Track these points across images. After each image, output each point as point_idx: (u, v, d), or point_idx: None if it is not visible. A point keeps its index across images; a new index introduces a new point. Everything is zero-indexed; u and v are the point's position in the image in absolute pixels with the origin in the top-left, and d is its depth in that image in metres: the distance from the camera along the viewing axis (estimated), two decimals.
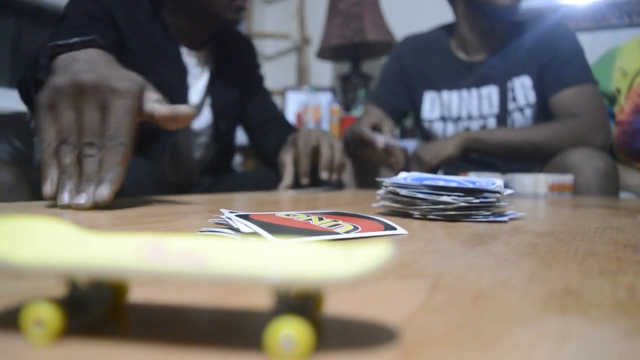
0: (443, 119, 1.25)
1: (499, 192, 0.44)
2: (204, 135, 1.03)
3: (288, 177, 0.92)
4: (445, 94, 1.24)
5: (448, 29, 1.29)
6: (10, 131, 1.28)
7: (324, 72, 2.46)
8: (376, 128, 1.14)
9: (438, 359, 0.12)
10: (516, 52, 1.17)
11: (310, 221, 0.35)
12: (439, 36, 1.29)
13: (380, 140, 1.04)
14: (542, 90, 1.14)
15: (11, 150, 1.26)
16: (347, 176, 1.20)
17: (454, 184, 0.45)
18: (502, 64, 1.18)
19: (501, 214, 0.45)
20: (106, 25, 0.82)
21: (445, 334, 0.14)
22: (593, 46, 1.62)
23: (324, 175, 0.91)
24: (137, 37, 0.88)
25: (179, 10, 0.95)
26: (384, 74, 1.35)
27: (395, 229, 0.35)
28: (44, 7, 1.77)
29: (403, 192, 0.45)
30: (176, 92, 0.93)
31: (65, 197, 0.44)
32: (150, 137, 0.90)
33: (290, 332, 0.12)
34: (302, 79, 2.41)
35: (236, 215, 0.35)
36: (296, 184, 0.93)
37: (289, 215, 0.37)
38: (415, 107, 1.30)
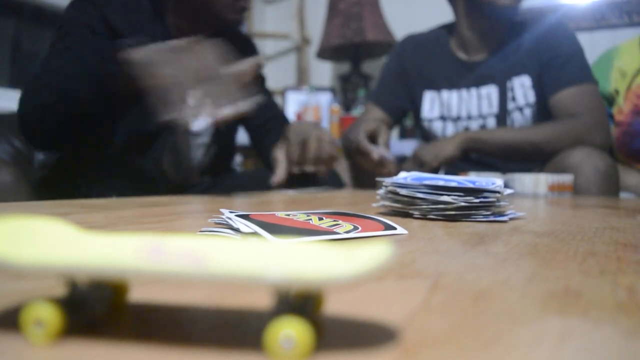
0: (443, 118, 1.25)
1: (499, 192, 0.44)
2: (204, 136, 1.03)
3: (280, 171, 0.92)
4: (445, 94, 1.24)
5: (448, 29, 1.28)
6: (10, 131, 1.28)
7: (324, 72, 2.45)
8: (373, 136, 1.15)
9: (438, 359, 0.12)
10: (516, 51, 1.17)
11: (310, 221, 0.35)
12: (439, 36, 1.29)
13: (376, 152, 1.05)
14: (542, 90, 1.14)
15: (11, 150, 1.26)
16: (347, 176, 1.20)
17: (454, 184, 0.45)
18: (501, 64, 1.18)
19: (501, 214, 0.45)
20: (103, 36, 0.83)
21: (445, 334, 0.14)
22: (593, 46, 1.62)
23: (309, 168, 0.90)
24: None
25: (181, 11, 0.95)
26: (384, 74, 1.35)
27: (395, 228, 0.35)
28: (44, 7, 1.76)
29: (403, 191, 0.45)
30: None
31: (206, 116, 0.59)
32: (150, 137, 0.90)
33: (290, 332, 0.12)
34: (302, 79, 2.41)
35: (236, 215, 0.35)
36: (290, 182, 0.93)
37: (289, 215, 0.37)
38: (415, 106, 1.30)
